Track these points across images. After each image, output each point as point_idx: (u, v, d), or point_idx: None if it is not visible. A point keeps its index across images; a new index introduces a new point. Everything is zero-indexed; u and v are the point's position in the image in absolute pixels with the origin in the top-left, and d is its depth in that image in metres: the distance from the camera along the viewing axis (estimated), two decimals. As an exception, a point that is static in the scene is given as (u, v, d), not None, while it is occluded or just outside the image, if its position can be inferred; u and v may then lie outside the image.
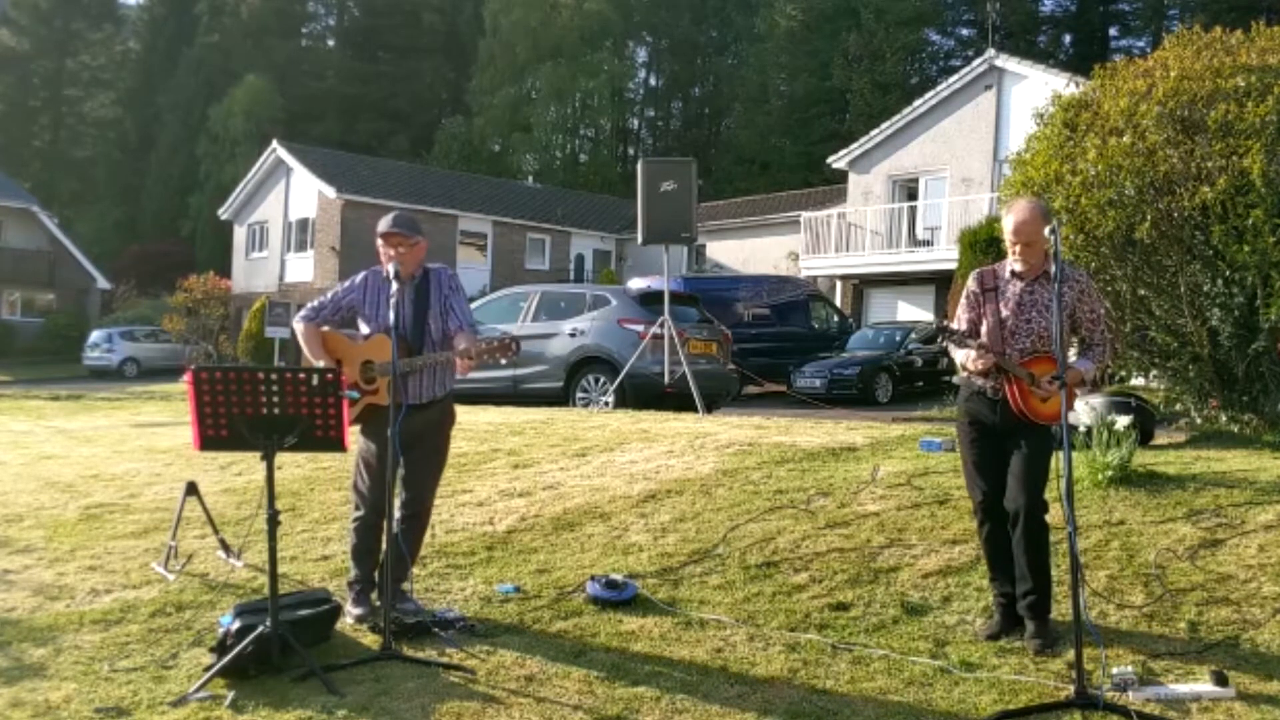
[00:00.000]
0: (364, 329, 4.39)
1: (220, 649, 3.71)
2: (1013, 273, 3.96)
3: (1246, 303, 6.88)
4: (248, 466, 7.34)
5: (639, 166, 10.99)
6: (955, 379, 4.36)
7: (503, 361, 4.29)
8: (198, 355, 27.21)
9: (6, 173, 37.84)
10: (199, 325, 28.32)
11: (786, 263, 25.91)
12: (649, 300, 11.79)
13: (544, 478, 6.58)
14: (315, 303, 4.44)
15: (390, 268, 4.20)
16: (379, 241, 4.32)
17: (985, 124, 21.48)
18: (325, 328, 4.38)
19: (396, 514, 4.37)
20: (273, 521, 3.80)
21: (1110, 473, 5.31)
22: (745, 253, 28.43)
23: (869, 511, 5.34)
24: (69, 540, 5.70)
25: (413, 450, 4.23)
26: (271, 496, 3.83)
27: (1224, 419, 7.50)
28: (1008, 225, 3.89)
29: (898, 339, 18.11)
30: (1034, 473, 3.83)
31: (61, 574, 5.04)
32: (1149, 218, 6.89)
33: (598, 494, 6.08)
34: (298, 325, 4.37)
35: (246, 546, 5.28)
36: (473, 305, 13.25)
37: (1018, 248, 3.88)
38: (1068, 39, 44.59)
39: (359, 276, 4.44)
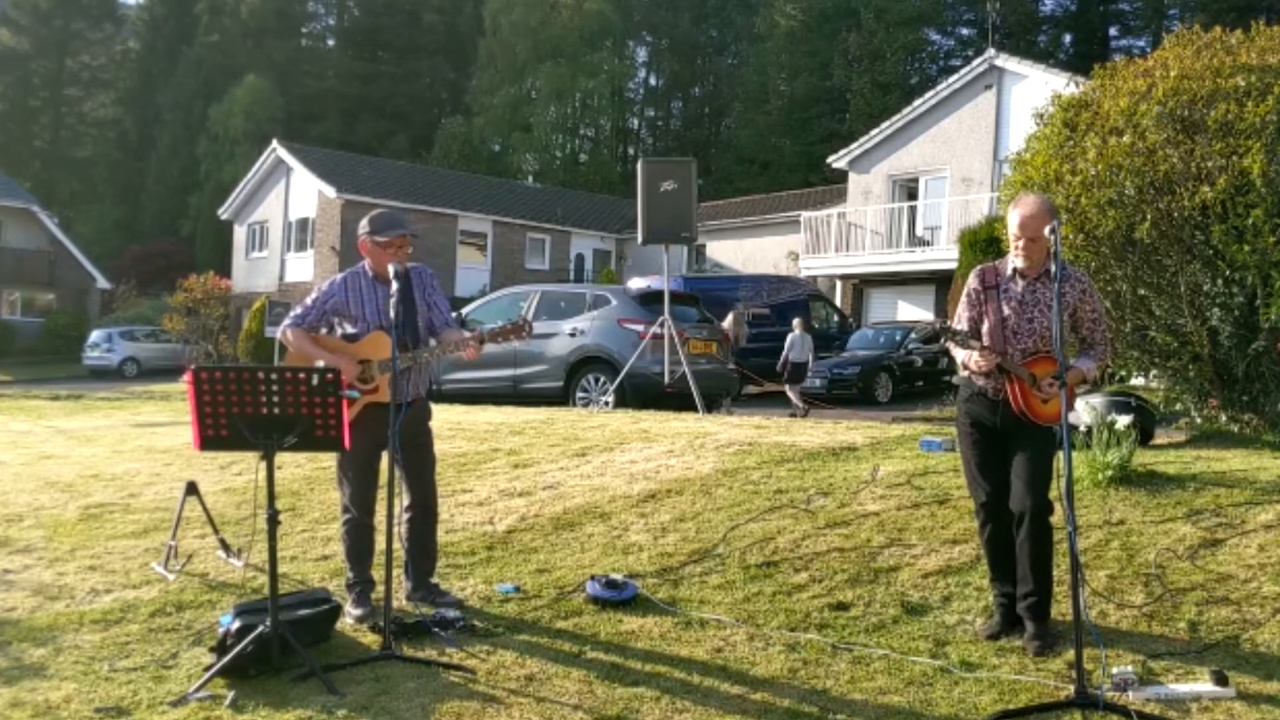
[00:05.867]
0: (349, 329, 4.40)
1: (220, 649, 3.72)
2: (1015, 270, 3.91)
3: (1246, 302, 6.87)
4: (248, 466, 7.33)
5: (639, 166, 10.99)
6: (955, 379, 4.32)
7: (516, 343, 4.31)
8: (198, 355, 27.20)
9: (6, 173, 37.87)
10: (199, 325, 28.31)
11: (786, 263, 25.92)
12: (649, 300, 11.80)
13: (544, 478, 6.58)
14: (299, 308, 4.45)
15: (391, 267, 4.22)
16: (377, 240, 4.34)
17: (985, 124, 21.49)
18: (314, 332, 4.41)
19: (406, 514, 4.40)
20: (273, 521, 3.80)
21: (1110, 472, 5.30)
22: (745, 253, 28.43)
23: (869, 511, 5.34)
24: (69, 540, 5.70)
25: (409, 448, 4.27)
26: (271, 496, 3.83)
27: (1224, 419, 7.50)
28: (1013, 220, 3.83)
29: (898, 339, 18.13)
30: (1039, 473, 3.80)
31: (61, 574, 5.05)
32: (1149, 217, 6.88)
33: (598, 494, 6.08)
34: (287, 332, 4.36)
35: (246, 546, 5.28)
36: (473, 305, 13.32)
37: (1021, 244, 3.82)
38: (1068, 39, 44.60)
39: (339, 278, 4.46)
